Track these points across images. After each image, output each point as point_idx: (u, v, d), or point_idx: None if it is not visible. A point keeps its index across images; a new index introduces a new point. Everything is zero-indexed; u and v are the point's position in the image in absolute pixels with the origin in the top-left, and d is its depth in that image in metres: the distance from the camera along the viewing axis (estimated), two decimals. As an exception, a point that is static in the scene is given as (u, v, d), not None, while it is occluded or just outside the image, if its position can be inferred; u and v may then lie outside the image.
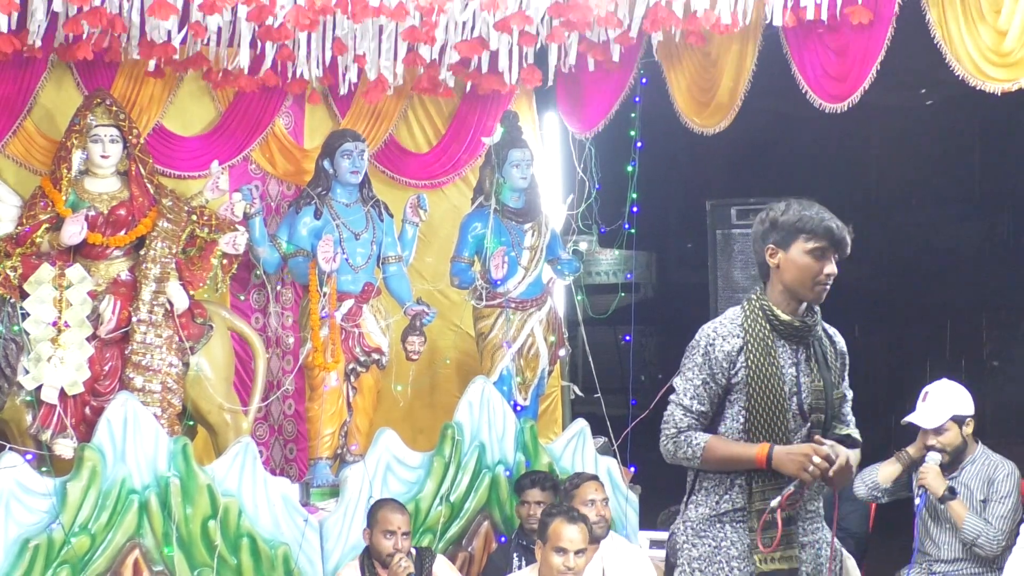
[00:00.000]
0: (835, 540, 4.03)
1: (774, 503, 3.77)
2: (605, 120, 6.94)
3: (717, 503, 3.86)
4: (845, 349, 4.07)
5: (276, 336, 6.65)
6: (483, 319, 6.76)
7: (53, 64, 6.01)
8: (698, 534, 3.88)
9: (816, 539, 3.96)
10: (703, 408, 3.84)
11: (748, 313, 3.86)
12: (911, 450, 5.65)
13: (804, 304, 3.87)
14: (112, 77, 6.15)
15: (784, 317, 3.83)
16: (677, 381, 3.89)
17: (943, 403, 5.54)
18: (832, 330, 4.07)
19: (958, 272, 10.10)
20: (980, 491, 5.51)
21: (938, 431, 5.50)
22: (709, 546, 3.86)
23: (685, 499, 3.98)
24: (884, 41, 5.35)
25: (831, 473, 3.73)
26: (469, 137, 7.12)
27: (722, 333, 3.85)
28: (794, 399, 3.86)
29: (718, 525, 3.86)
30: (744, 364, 3.80)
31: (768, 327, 3.83)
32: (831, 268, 3.81)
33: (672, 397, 3.88)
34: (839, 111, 5.74)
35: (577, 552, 4.97)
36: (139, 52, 5.69)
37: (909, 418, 5.57)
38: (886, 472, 5.68)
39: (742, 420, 3.84)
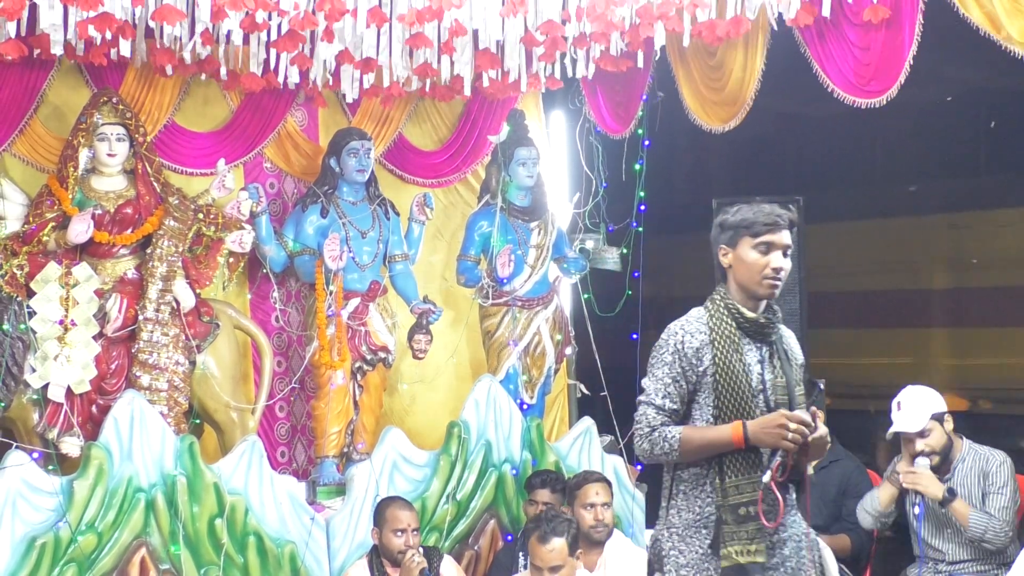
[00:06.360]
0: (811, 531, 4.04)
1: (766, 477, 3.80)
2: (635, 120, 6.89)
3: (701, 507, 3.88)
4: (801, 355, 4.14)
5: (298, 336, 6.59)
6: (489, 317, 6.76)
7: (61, 63, 6.00)
8: (684, 540, 3.88)
9: (795, 532, 3.97)
10: (674, 406, 3.87)
11: (713, 312, 3.92)
12: (900, 467, 5.64)
13: (764, 302, 3.95)
14: (121, 76, 6.14)
15: (749, 314, 3.91)
16: (646, 381, 3.91)
17: (919, 406, 5.53)
18: (789, 333, 4.14)
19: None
20: (977, 487, 5.50)
21: (923, 434, 5.49)
22: (696, 552, 3.86)
23: (665, 505, 3.97)
24: (914, 35, 5.25)
25: (810, 439, 3.77)
26: (477, 136, 7.12)
27: (689, 330, 3.90)
28: (760, 396, 3.90)
29: (704, 531, 3.87)
30: (712, 360, 3.85)
31: (733, 324, 3.89)
32: (777, 262, 3.90)
33: (642, 398, 3.90)
34: (875, 106, 5.64)
35: (551, 568, 4.97)
36: (148, 57, 5.67)
37: (893, 428, 5.55)
38: (885, 496, 5.67)
39: (710, 418, 3.86)
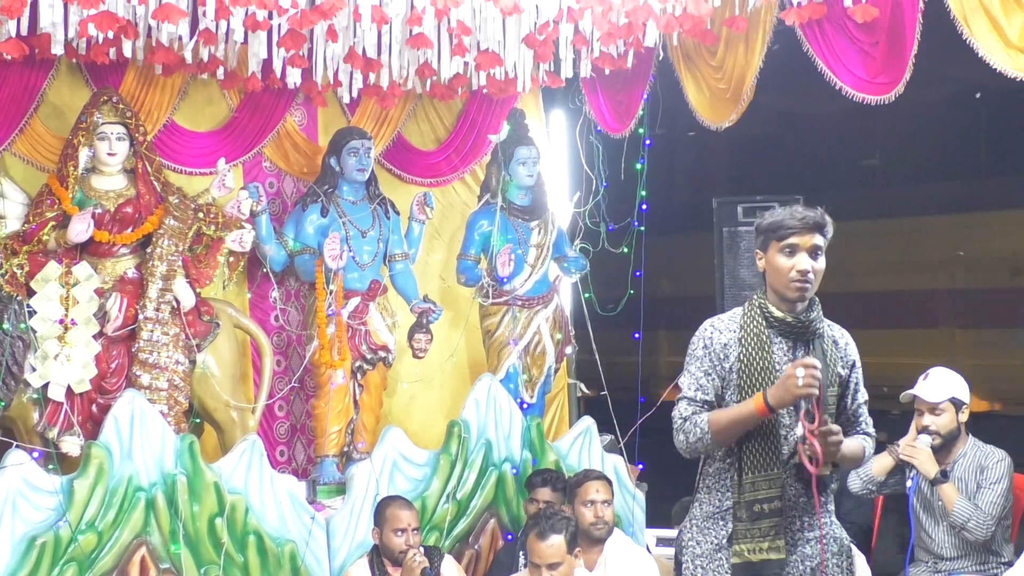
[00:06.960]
0: (845, 536, 4.04)
1: (798, 431, 3.78)
2: (636, 119, 6.87)
3: (720, 500, 3.94)
4: (855, 354, 4.12)
5: (297, 335, 6.58)
6: (489, 317, 6.77)
7: (61, 62, 5.99)
8: (702, 531, 3.95)
9: (824, 534, 3.97)
10: (707, 397, 3.94)
11: (747, 310, 4.00)
12: (903, 440, 5.66)
13: (803, 303, 3.95)
14: (121, 76, 6.13)
15: (778, 314, 3.94)
16: (682, 378, 4.01)
17: (944, 383, 5.56)
18: (841, 332, 4.12)
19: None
20: (973, 480, 5.52)
21: (935, 410, 5.51)
22: (712, 543, 3.92)
23: (693, 498, 4.06)
24: (915, 31, 5.24)
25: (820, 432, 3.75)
26: (476, 135, 7.11)
27: (719, 327, 3.99)
28: None
29: (721, 522, 3.93)
30: (737, 356, 3.91)
31: (764, 323, 3.94)
32: (803, 264, 3.89)
33: (678, 395, 3.98)
34: (885, 102, 5.61)
35: (549, 566, 4.96)
36: (148, 56, 5.67)
37: (911, 391, 5.57)
38: (879, 464, 5.69)
39: None
